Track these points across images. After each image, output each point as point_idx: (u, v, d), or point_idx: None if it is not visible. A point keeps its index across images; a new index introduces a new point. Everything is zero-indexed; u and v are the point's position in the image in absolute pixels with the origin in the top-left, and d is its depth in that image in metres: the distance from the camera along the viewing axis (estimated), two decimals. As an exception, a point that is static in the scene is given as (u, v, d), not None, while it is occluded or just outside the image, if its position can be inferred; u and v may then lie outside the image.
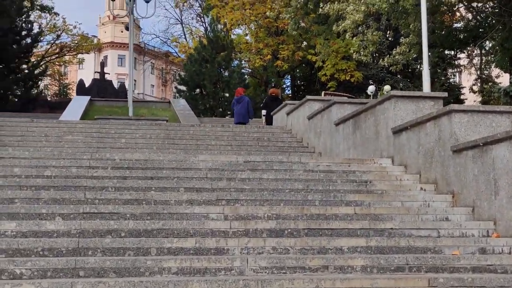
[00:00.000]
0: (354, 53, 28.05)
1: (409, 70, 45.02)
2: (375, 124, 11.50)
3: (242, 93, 20.75)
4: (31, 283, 5.84)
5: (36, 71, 40.29)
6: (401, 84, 43.08)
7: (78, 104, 26.86)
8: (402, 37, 27.08)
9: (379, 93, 37.45)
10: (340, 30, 28.35)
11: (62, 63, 52.42)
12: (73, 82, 54.88)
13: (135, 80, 79.90)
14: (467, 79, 51.03)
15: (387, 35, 43.31)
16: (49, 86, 55.61)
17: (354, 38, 27.52)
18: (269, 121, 19.65)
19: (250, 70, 47.51)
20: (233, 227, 7.65)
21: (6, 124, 15.26)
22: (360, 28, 27.32)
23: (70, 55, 50.20)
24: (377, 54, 40.71)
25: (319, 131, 14.36)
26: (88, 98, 29.64)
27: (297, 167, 10.24)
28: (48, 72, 51.27)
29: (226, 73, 41.64)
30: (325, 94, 17.72)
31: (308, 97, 15.14)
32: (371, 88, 38.06)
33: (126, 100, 30.40)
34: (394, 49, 27.17)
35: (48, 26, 47.26)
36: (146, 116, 24.92)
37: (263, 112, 20.19)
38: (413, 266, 6.89)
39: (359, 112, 12.20)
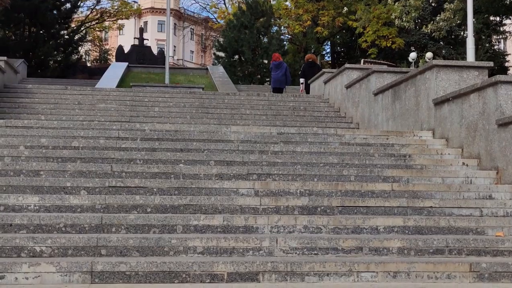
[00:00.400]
0: (396, 19, 27.23)
1: (452, 37, 43.74)
2: (416, 95, 10.97)
3: (280, 58, 20.41)
4: (49, 263, 5.58)
5: (76, 37, 40.23)
6: (443, 51, 41.92)
7: (115, 71, 26.67)
8: (446, 3, 26.14)
9: (420, 61, 36.53)
10: (382, -5, 27.50)
11: (102, 29, 52.33)
12: (113, 47, 54.77)
13: (174, 46, 79.69)
14: (512, 46, 49.57)
15: (430, 1, 42.09)
16: (89, 51, 55.71)
17: (396, 4, 26.65)
18: (309, 91, 18.76)
19: (289, 36, 46.77)
20: (263, 204, 7.28)
21: (40, 92, 15.08)
22: (402, -7, 26.46)
23: (109, 21, 50.05)
24: (419, 20, 39.56)
25: (357, 101, 13.85)
26: (125, 64, 29.43)
27: (332, 139, 9.81)
28: (89, 38, 51.30)
29: (265, 40, 41.01)
30: (364, 62, 17.06)
31: (347, 65, 14.59)
32: (412, 55, 37.16)
33: (164, 66, 30.22)
34: (438, 15, 26.26)
35: (88, -9, 47.11)
36: (183, 83, 24.61)
37: (301, 80, 19.66)
38: (454, 249, 6.45)
39: (399, 82, 11.66)
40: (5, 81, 15.20)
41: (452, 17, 25.29)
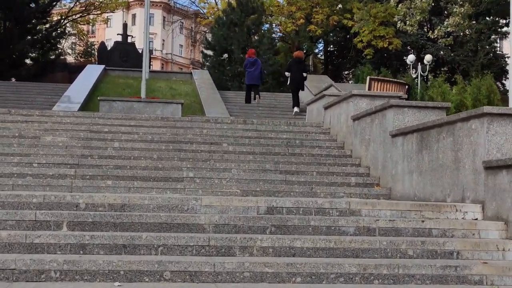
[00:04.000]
0: (399, 22, 24.04)
1: (450, 37, 40.65)
2: (455, 149, 7.88)
3: (255, 55, 21.58)
4: None
5: (55, 33, 36.84)
6: (442, 52, 38.85)
7: (88, 76, 23.34)
8: (455, 6, 22.97)
9: (419, 64, 33.53)
10: (383, -4, 24.43)
11: (86, 23, 48.73)
12: (97, 42, 51.18)
13: (163, 40, 76.14)
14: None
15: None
16: (74, 46, 52.24)
17: (400, 5, 23.49)
18: (293, 86, 19.18)
19: (281, 34, 43.54)
20: None
21: (-25, 117, 11.88)
22: (407, -6, 23.29)
23: (94, 14, 46.57)
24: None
25: (367, 139, 10.74)
26: (101, 68, 26.14)
27: (345, 222, 6.68)
28: (73, 32, 47.97)
29: (256, 38, 37.81)
30: (370, 80, 13.93)
31: (354, 91, 11.43)
32: (410, 58, 34.14)
33: (148, 69, 26.98)
34: (446, 20, 23.13)
35: (71, -17, 43.66)
36: (163, 92, 21.38)
37: (287, 74, 19.88)
38: None
39: (429, 127, 8.57)
40: None
41: (462, 22, 22.10)
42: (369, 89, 14.16)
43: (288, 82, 19.68)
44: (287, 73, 19.84)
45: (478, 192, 7.31)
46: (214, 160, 10.52)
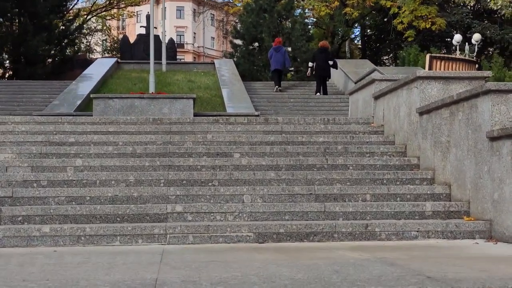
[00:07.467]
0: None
1: (496, 15, 36.20)
2: None
3: (280, 43, 20.41)
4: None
5: (73, 28, 33.67)
6: (489, 31, 34.60)
7: (96, 71, 19.95)
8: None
9: (466, 44, 29.47)
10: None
11: (111, 17, 45.51)
12: (117, 38, 47.98)
13: (194, 33, 72.63)
14: None
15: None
16: (105, 42, 49.12)
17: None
18: (318, 74, 18.89)
19: (314, 19, 39.67)
20: None
21: None
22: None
23: (118, 8, 43.32)
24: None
25: (445, 141, 6.98)
26: (113, 61, 22.76)
27: None
28: (99, 27, 44.89)
29: (288, 24, 34.11)
30: (431, 58, 10.13)
31: (419, 72, 7.65)
32: (457, 37, 30.05)
33: (166, 61, 23.69)
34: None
35: (93, -23, 40.40)
36: (176, 91, 17.70)
37: (310, 64, 19.51)
38: None
39: None
40: None
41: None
42: (430, 70, 10.42)
43: (309, 71, 19.65)
44: (310, 63, 19.59)
45: None
46: (219, 182, 6.89)
